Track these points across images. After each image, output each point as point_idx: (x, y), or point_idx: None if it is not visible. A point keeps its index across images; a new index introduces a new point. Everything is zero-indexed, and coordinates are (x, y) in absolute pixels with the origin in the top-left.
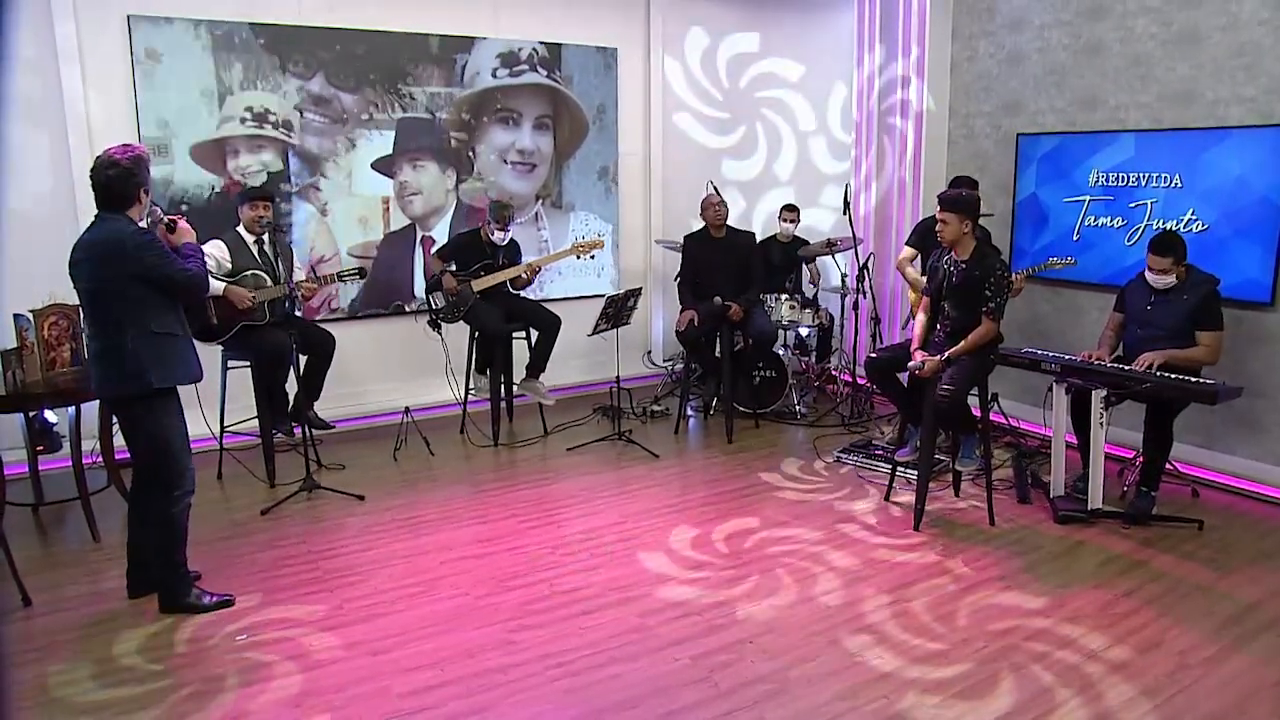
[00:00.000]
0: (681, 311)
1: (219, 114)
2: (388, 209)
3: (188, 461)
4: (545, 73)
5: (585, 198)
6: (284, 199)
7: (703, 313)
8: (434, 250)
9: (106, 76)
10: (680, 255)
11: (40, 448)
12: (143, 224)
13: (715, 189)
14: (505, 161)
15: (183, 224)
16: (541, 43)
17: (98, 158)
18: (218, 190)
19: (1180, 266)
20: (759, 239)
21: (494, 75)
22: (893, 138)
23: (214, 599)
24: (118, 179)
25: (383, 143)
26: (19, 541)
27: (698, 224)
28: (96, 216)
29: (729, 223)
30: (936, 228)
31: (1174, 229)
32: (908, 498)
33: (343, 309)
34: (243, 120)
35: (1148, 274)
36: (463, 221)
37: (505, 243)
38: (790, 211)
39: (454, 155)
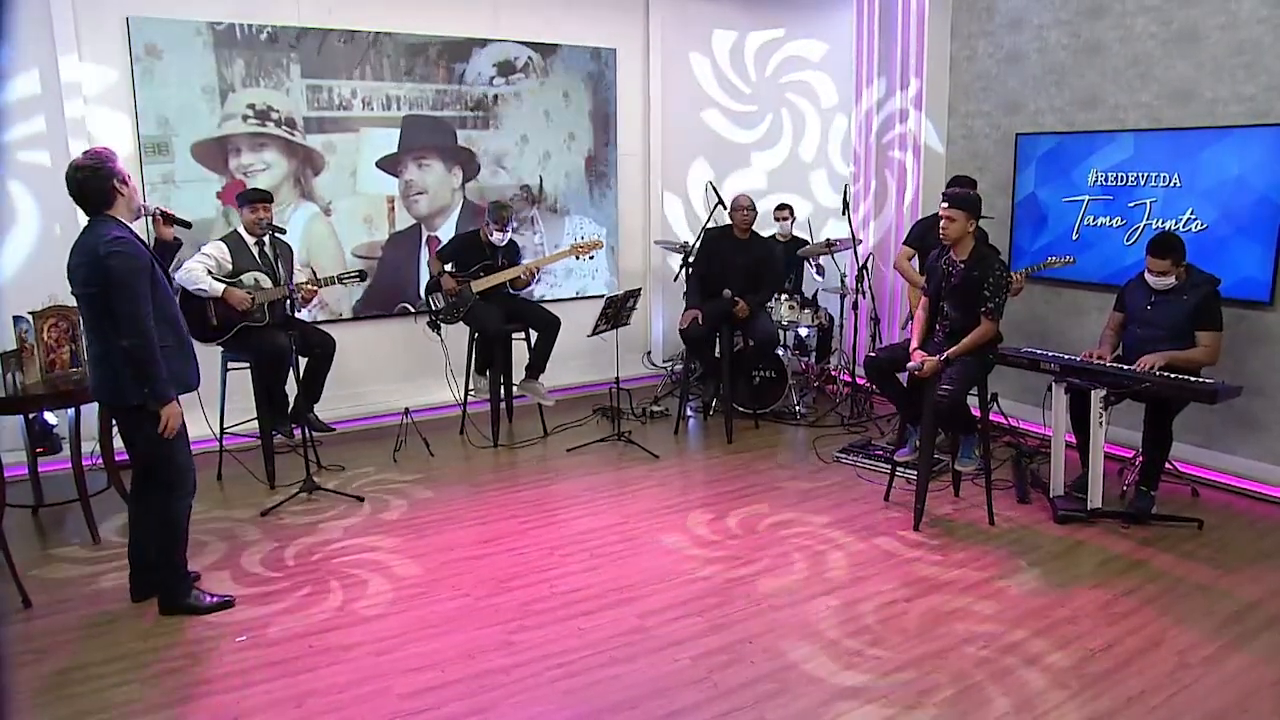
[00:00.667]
0: (685, 310)
1: (220, 111)
2: (393, 208)
3: (189, 464)
4: (542, 78)
5: (581, 201)
6: (286, 198)
7: (710, 306)
8: (434, 252)
9: (105, 73)
10: (680, 255)
11: (40, 449)
12: (139, 219)
13: (714, 189)
14: (501, 166)
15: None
16: (538, 46)
17: (66, 171)
18: (219, 190)
19: (1180, 267)
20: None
21: (490, 82)
22: (893, 168)
23: (214, 600)
24: (88, 180)
25: (388, 140)
26: (19, 543)
27: (697, 224)
28: (89, 221)
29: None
30: (941, 224)
31: (1172, 229)
32: (907, 497)
33: (340, 312)
34: (245, 118)
35: (1148, 276)
36: (469, 221)
37: (504, 244)
38: (782, 210)
39: (460, 154)
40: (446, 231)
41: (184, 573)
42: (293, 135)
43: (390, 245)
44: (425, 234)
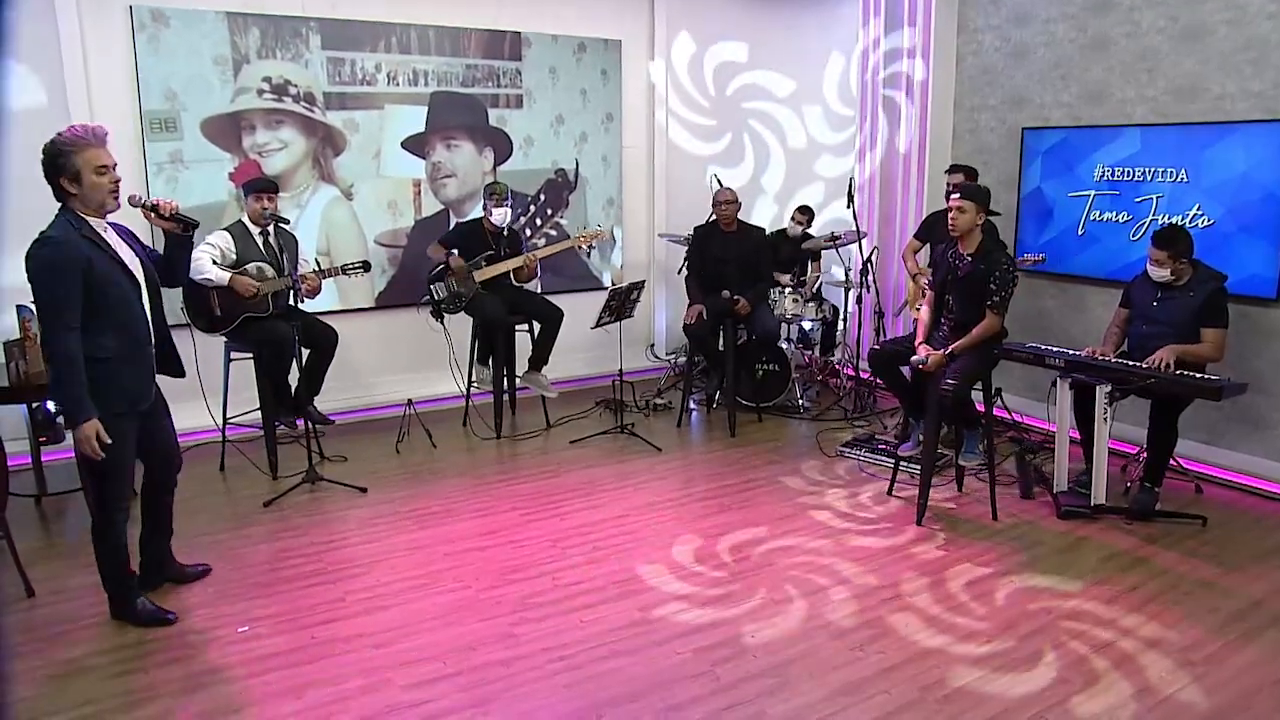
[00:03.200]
0: (689, 306)
1: (234, 85)
2: (419, 193)
3: (121, 488)
4: (579, 55)
5: (584, 192)
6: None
7: (710, 306)
8: (437, 239)
9: (106, 44)
10: (685, 248)
11: (43, 438)
12: (111, 212)
13: (719, 182)
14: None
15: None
16: (545, 35)
17: None
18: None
19: (1183, 263)
20: (767, 233)
21: (521, 58)
22: (893, 114)
23: (154, 611)
24: (44, 169)
25: (414, 119)
26: (22, 532)
27: (700, 218)
28: None
29: (739, 217)
30: (950, 215)
31: (1179, 224)
32: (910, 492)
33: (356, 301)
34: (260, 92)
35: (1148, 266)
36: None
37: (506, 222)
38: (802, 214)
39: (492, 134)
40: (503, 213)
41: (129, 584)
42: (312, 112)
43: (416, 232)
44: (454, 220)
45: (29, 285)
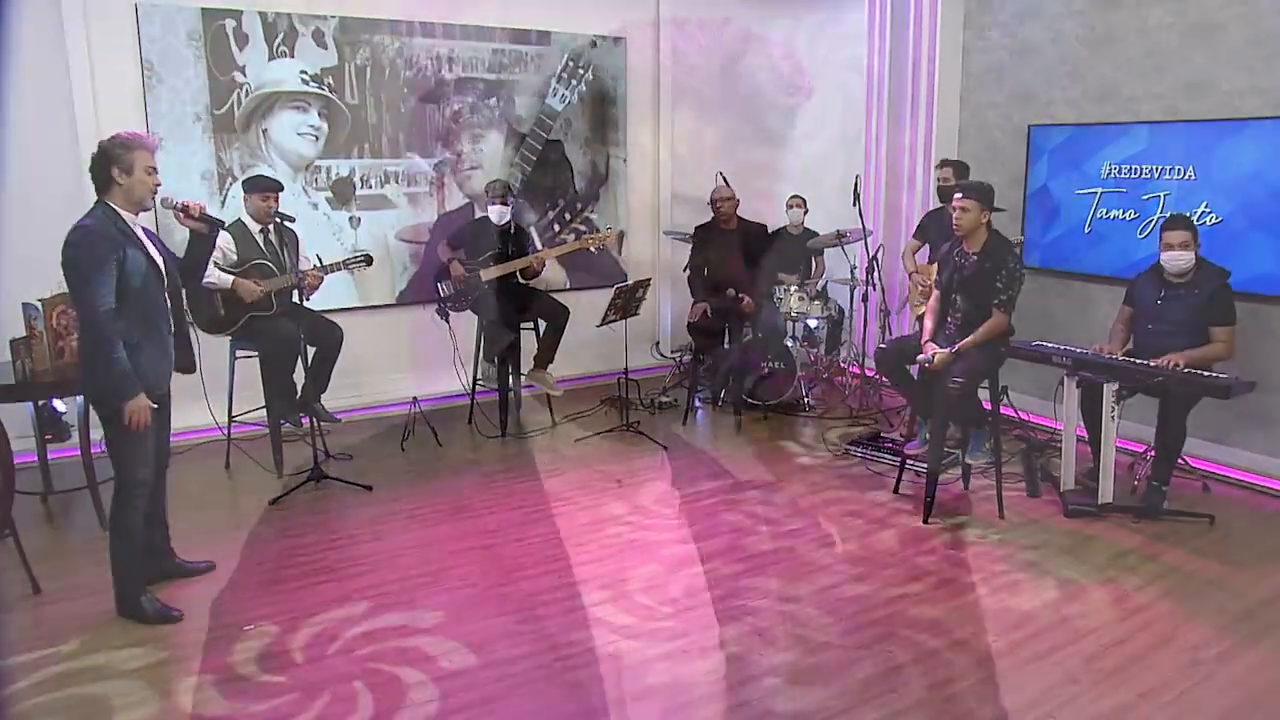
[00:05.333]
0: (694, 304)
1: (245, 75)
2: (442, 185)
3: (141, 473)
4: (577, 55)
5: (615, 187)
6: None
7: (714, 305)
8: (445, 238)
9: (110, 32)
10: (690, 245)
11: (49, 436)
12: (145, 210)
13: (724, 180)
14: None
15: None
16: (548, 32)
17: None
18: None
19: (1193, 249)
20: (769, 230)
21: (525, 45)
22: (902, 125)
23: (161, 610)
24: (94, 162)
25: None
26: (28, 530)
27: (705, 215)
28: None
29: (739, 214)
30: (954, 215)
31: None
32: (917, 490)
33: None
34: (275, 79)
35: (1166, 257)
36: (530, 200)
37: (506, 220)
38: (796, 199)
39: (518, 124)
40: (501, 211)
41: (135, 576)
42: (334, 95)
43: (439, 228)
44: (478, 214)
45: (63, 274)
